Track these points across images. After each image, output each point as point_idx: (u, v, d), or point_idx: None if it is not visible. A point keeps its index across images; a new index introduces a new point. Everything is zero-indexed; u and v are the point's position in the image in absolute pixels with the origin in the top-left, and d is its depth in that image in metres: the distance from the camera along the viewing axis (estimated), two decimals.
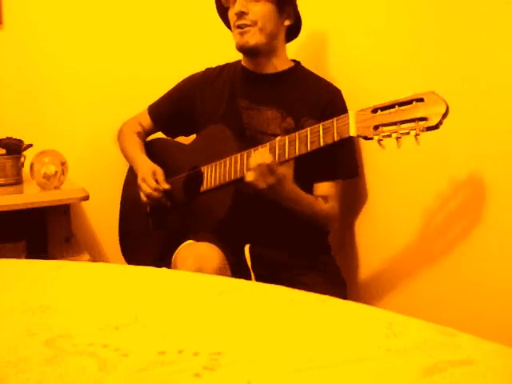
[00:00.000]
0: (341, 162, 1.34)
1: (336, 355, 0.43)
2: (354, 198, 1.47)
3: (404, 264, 1.32)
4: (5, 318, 0.53)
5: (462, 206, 1.14)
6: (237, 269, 1.20)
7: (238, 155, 1.21)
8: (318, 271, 1.29)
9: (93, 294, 0.62)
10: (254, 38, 1.30)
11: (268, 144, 1.14)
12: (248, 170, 1.12)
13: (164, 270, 0.76)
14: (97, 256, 1.90)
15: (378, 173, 1.40)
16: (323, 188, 1.32)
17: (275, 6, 1.30)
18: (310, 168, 1.22)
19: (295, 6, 1.36)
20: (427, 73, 1.19)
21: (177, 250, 1.23)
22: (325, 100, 1.33)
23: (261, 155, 1.11)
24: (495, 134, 1.04)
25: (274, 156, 1.11)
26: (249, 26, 1.29)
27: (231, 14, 1.33)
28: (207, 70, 1.51)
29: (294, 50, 1.46)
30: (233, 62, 1.48)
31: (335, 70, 1.51)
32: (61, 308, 0.56)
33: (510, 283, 1.03)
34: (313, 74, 1.42)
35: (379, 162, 1.38)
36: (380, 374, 0.40)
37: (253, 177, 1.10)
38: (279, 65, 1.38)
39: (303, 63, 1.43)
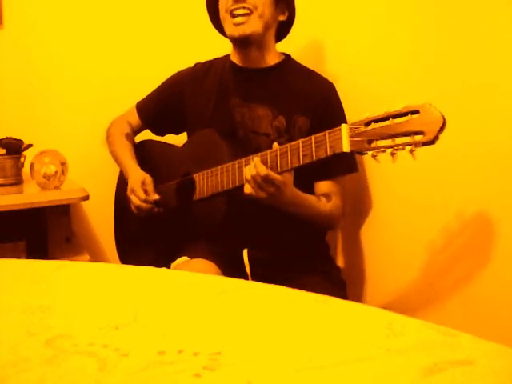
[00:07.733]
0: (338, 159, 1.31)
1: (336, 355, 0.43)
2: (354, 197, 1.47)
3: (404, 264, 1.32)
4: (5, 318, 0.53)
5: (462, 207, 1.14)
6: (235, 275, 1.19)
7: (230, 165, 1.18)
8: (318, 272, 1.29)
9: (93, 294, 0.62)
10: (251, 25, 1.25)
11: (260, 155, 1.11)
12: (246, 181, 1.10)
13: (164, 269, 0.76)
14: (97, 256, 1.90)
15: (378, 173, 1.40)
16: (324, 186, 1.30)
17: None
18: (309, 167, 1.20)
19: (291, 4, 1.34)
20: (427, 73, 1.19)
21: (171, 269, 1.22)
22: (317, 96, 1.30)
23: (255, 167, 1.08)
24: (498, 133, 1.04)
25: (273, 165, 1.08)
26: (247, 14, 1.24)
27: (224, 1, 1.27)
28: (196, 65, 1.47)
29: (293, 50, 1.46)
30: (222, 57, 1.44)
31: (334, 71, 1.51)
32: (61, 308, 0.56)
33: (511, 283, 1.03)
34: (304, 67, 1.38)
35: (380, 161, 1.37)
36: (380, 374, 0.40)
37: (250, 189, 1.09)
38: (270, 59, 1.34)
39: (301, 62, 1.42)
